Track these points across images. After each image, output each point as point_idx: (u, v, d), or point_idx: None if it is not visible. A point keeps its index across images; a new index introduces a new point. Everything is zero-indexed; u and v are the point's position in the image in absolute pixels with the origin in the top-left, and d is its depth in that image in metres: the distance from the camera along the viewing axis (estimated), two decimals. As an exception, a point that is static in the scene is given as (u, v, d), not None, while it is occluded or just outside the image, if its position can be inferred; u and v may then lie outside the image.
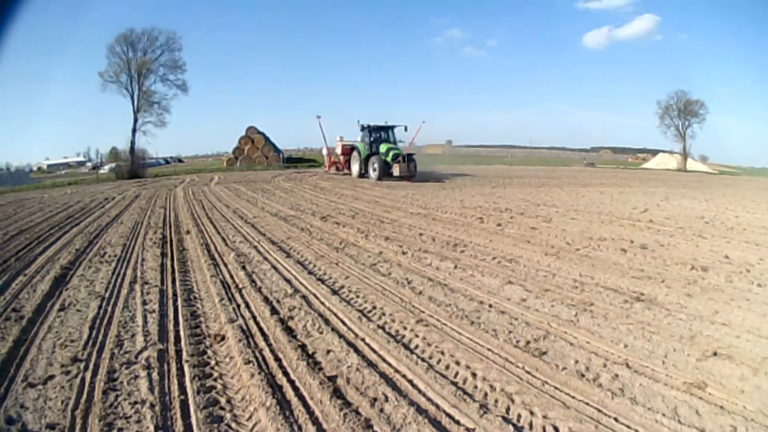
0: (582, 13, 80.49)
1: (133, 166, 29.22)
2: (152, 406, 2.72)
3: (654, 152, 53.40)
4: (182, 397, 2.83)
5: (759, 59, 64.37)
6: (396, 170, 18.58)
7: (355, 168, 21.04)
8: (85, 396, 2.85)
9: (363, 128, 20.71)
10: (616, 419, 2.62)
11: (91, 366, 3.25)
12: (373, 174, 19.49)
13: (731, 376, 3.08)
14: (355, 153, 21.14)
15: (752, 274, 5.44)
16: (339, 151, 22.47)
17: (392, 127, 21.02)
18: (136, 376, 3.07)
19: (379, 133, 20.70)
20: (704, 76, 73.94)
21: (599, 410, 2.71)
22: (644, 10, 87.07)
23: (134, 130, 30.54)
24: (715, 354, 3.36)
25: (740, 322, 3.97)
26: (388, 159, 19.01)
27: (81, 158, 53.98)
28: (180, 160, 53.26)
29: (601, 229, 8.46)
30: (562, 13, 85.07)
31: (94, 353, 3.45)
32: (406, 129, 21.07)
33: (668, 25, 75.54)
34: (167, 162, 49.26)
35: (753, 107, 69.23)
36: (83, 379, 3.05)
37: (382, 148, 19.67)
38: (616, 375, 3.09)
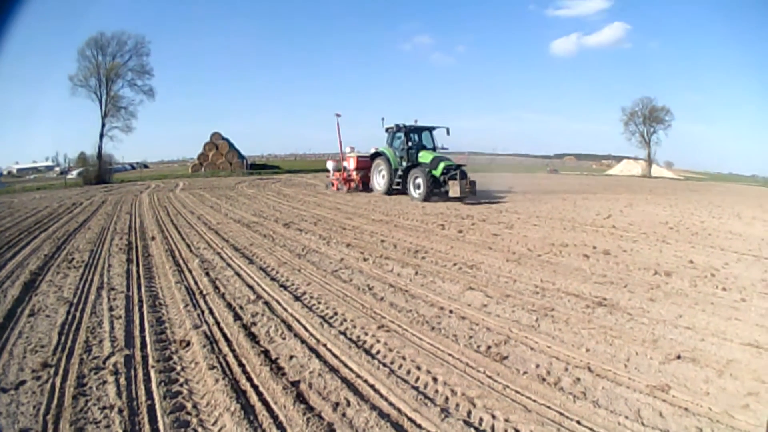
0: (551, 21, 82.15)
1: (101, 172, 29.58)
2: (120, 411, 2.82)
3: (618, 159, 55.24)
4: (149, 402, 2.95)
5: (729, 67, 66.61)
6: (455, 190, 13.99)
7: (380, 182, 16.61)
8: (56, 401, 2.96)
9: (397, 129, 16.26)
10: (578, 422, 2.72)
11: (60, 371, 3.36)
12: (415, 192, 14.94)
13: (695, 378, 3.20)
14: (379, 161, 16.63)
15: (717, 278, 5.65)
16: (352, 165, 17.97)
17: (432, 129, 16.54)
18: (105, 382, 3.18)
19: (414, 136, 16.25)
20: (674, 84, 77.05)
21: (561, 413, 2.81)
22: (615, 18, 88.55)
23: (102, 135, 31.09)
24: (678, 357, 3.49)
25: (705, 325, 4.13)
26: (437, 173, 14.64)
27: (50, 163, 54.20)
28: (146, 166, 54.69)
29: (564, 235, 8.71)
30: (532, 19, 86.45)
31: (64, 359, 3.57)
32: (448, 132, 16.59)
33: (638, 34, 77.44)
34: (133, 167, 50.65)
35: (722, 114, 71.57)
36: (54, 385, 3.16)
37: (425, 157, 15.30)
38: (578, 378, 3.21)
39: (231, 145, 37.64)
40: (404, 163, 15.72)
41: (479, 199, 14.89)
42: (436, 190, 14.65)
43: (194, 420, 2.77)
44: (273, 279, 5.78)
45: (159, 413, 2.83)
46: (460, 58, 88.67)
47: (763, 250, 7.43)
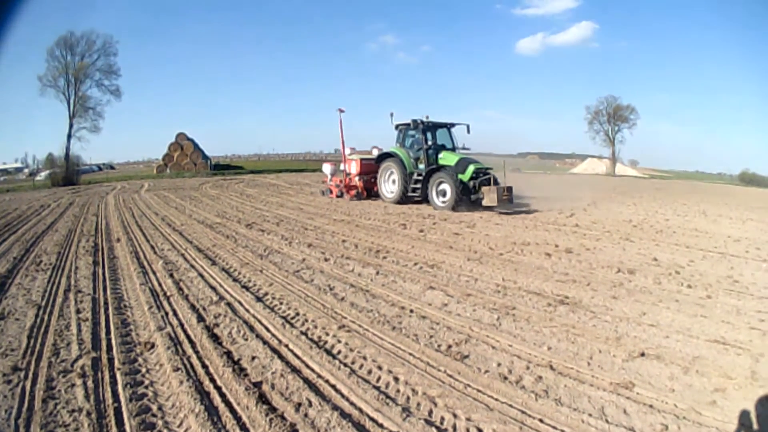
0: (518, 20, 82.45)
1: (68, 173, 29.72)
2: (89, 414, 2.92)
3: (582, 157, 56.11)
4: (116, 404, 3.04)
5: (696, 67, 68.01)
6: (492, 198, 11.83)
7: (391, 188, 14.38)
8: (26, 405, 3.05)
9: (413, 126, 13.89)
10: (541, 420, 2.80)
11: (30, 375, 3.45)
12: (440, 201, 12.82)
13: (660, 375, 3.31)
14: (388, 164, 14.26)
15: (682, 275, 5.82)
16: (354, 168, 15.61)
17: (451, 126, 14.35)
18: (73, 385, 3.28)
19: (432, 134, 14.06)
20: (642, 83, 78.60)
21: (523, 412, 2.88)
22: (582, 18, 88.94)
23: (69, 136, 31.57)
24: (642, 354, 3.60)
25: (669, 322, 4.25)
26: (465, 177, 12.51)
27: (19, 164, 54.00)
28: (112, 167, 55.36)
29: (525, 233, 8.90)
30: (498, 19, 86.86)
31: (33, 362, 3.66)
32: (468, 130, 14.28)
33: (607, 33, 78.26)
34: (100, 169, 51.13)
35: (689, 113, 73.27)
36: (24, 388, 3.25)
37: (448, 158, 13.19)
38: (540, 377, 3.31)
39: (196, 146, 38.32)
40: (421, 166, 13.56)
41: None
42: (464, 198, 12.51)
43: (160, 422, 2.87)
44: (235, 280, 5.92)
45: (126, 416, 2.93)
46: (425, 57, 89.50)
47: (729, 247, 7.69)
